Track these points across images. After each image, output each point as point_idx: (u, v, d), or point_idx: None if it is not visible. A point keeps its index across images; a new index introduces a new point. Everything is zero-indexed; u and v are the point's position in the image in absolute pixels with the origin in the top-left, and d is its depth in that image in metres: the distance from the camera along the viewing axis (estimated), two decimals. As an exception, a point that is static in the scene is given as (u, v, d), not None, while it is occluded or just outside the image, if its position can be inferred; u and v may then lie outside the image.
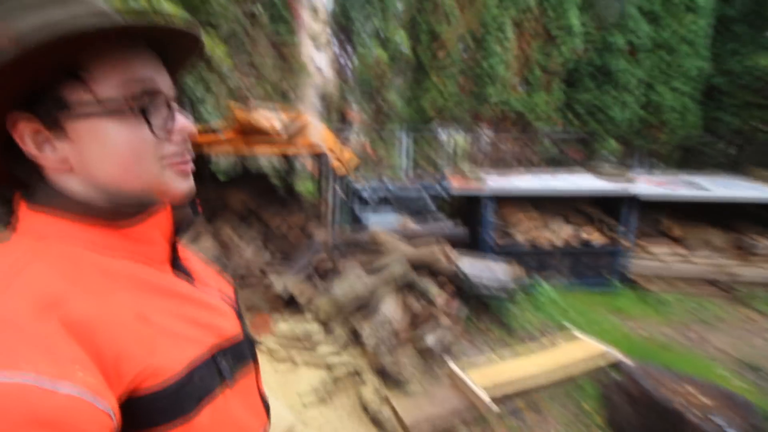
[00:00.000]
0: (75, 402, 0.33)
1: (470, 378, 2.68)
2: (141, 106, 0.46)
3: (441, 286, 3.42)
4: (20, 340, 0.34)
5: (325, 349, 2.95)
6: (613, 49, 7.14)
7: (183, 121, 0.50)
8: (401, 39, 7.40)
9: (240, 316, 0.62)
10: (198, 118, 4.57)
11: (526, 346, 3.37)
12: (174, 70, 0.53)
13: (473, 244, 4.78)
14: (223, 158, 5.84)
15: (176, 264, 0.57)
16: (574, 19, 7.13)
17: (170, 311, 0.49)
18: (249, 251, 3.98)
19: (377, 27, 7.33)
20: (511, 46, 7.25)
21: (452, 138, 7.86)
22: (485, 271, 3.61)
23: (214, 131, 3.79)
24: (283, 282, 3.54)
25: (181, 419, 0.43)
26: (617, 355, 3.03)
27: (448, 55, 7.23)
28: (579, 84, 7.51)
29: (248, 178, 5.35)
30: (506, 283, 3.60)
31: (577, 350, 3.13)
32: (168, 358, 0.44)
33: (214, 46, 4.26)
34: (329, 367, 2.82)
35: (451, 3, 7.05)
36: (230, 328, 0.57)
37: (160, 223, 0.53)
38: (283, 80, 6.63)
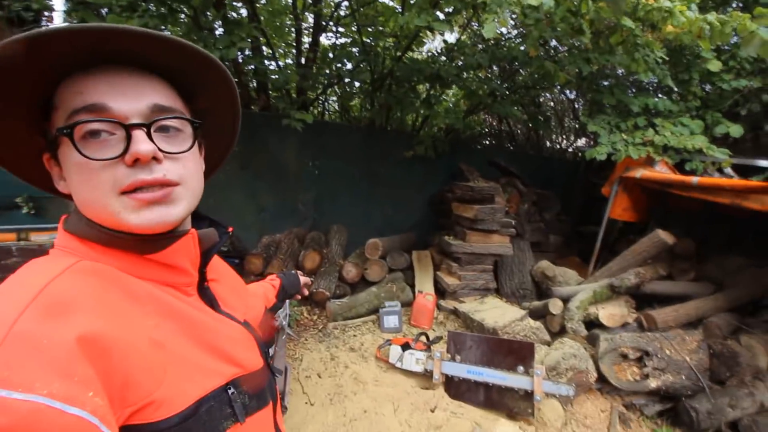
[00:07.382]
0: (82, 423, 0.34)
1: None
2: (82, 133, 0.43)
3: None
4: (37, 358, 0.34)
5: None
6: None
7: (136, 146, 0.44)
8: None
9: (263, 349, 0.61)
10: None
11: None
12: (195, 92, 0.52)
13: None
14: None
15: (202, 289, 0.56)
16: None
17: (188, 338, 0.48)
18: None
19: None
20: None
21: None
22: None
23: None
24: None
25: None
26: None
27: None
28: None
29: None
30: None
31: None
32: (177, 391, 0.43)
33: None
34: None
35: None
36: (250, 360, 0.55)
37: (185, 249, 0.51)
38: None
